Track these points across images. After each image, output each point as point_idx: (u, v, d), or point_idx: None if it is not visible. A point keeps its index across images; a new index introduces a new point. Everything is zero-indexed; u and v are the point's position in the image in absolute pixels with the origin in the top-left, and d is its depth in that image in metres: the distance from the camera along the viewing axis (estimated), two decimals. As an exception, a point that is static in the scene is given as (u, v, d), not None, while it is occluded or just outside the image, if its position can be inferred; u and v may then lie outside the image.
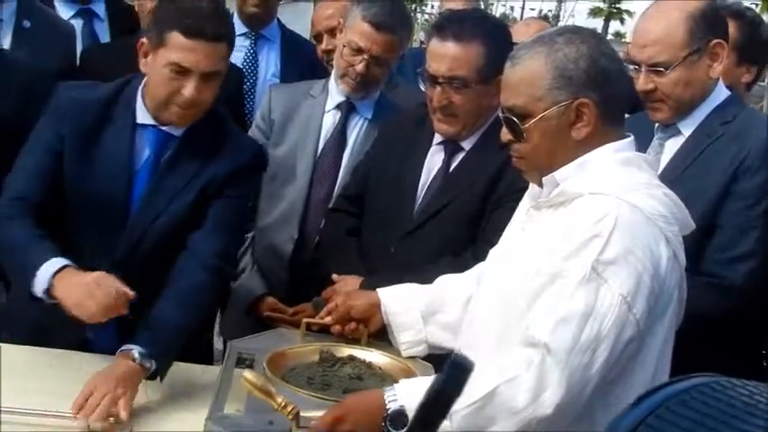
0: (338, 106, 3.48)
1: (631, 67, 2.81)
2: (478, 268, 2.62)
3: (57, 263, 2.57)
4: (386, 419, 1.97)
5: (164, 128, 2.83)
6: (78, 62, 3.82)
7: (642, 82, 2.82)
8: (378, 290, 2.69)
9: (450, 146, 3.04)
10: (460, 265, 2.75)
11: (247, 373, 2.10)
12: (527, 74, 2.19)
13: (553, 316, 2.02)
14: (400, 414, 1.97)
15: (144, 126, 2.85)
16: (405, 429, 1.97)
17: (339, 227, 3.26)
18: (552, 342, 1.99)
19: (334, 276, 3.03)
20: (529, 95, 2.19)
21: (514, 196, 2.75)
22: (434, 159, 3.07)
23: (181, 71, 2.69)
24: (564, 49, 2.16)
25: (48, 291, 2.55)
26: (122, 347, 2.60)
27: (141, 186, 2.84)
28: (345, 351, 2.58)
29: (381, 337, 2.69)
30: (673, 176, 2.72)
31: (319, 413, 2.09)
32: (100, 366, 2.56)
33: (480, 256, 2.69)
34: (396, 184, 3.10)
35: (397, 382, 2.43)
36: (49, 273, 2.55)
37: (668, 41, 2.79)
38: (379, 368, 2.53)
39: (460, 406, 1.96)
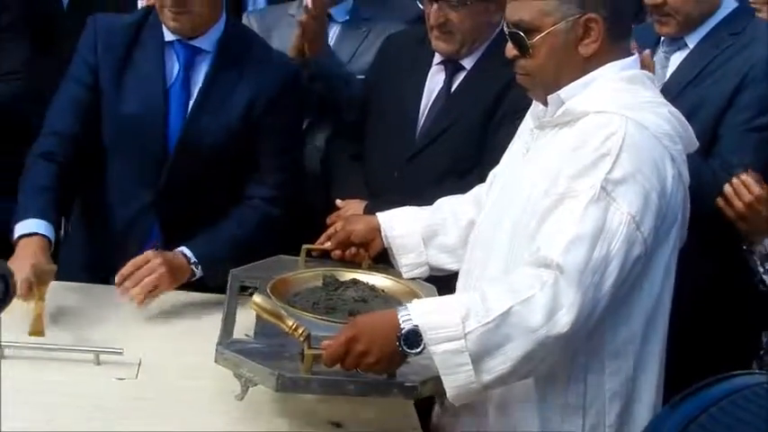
0: None
1: None
2: (478, 188, 2.60)
3: (25, 227, 2.63)
4: (400, 339, 1.95)
5: (190, 42, 2.84)
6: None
7: None
8: (377, 214, 2.65)
9: (451, 66, 2.99)
10: (465, 187, 2.70)
11: (257, 298, 2.06)
12: None
13: (564, 236, 1.99)
14: (414, 333, 1.95)
15: (171, 43, 2.86)
16: (419, 348, 1.97)
17: (343, 152, 3.22)
18: (565, 262, 1.96)
19: (338, 202, 3.02)
20: (537, 9, 2.14)
21: (519, 114, 2.68)
22: (435, 80, 3.03)
23: None
24: None
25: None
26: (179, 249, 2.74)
27: (176, 106, 2.86)
28: (348, 275, 2.55)
29: (381, 260, 2.67)
30: (678, 87, 2.71)
31: (324, 333, 2.07)
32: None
33: (485, 176, 2.63)
34: (397, 107, 3.06)
35: (401, 303, 2.42)
36: (17, 232, 2.64)
37: None
38: (383, 291, 2.50)
39: (476, 325, 1.95)
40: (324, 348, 2.00)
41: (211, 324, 2.61)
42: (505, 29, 2.22)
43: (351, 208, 2.95)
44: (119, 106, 2.86)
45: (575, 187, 2.04)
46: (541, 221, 2.09)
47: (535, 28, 2.15)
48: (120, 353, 2.41)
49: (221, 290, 2.77)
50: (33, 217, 2.66)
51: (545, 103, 2.25)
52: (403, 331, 1.97)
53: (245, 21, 3.61)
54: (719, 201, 2.60)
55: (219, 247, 2.81)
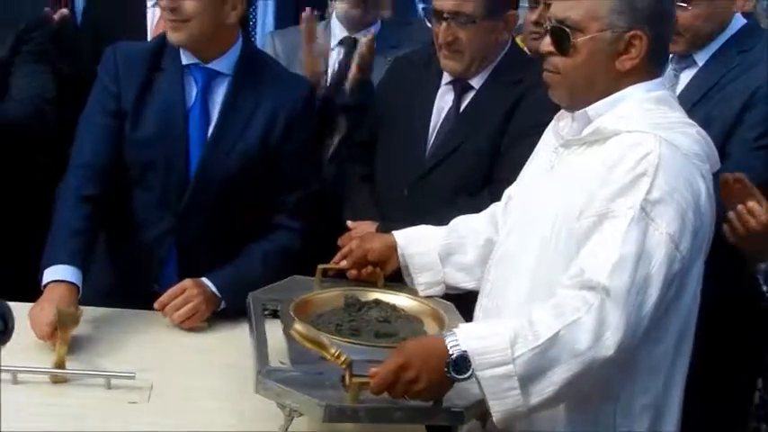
0: (341, 42, 3.43)
1: None
2: (494, 207, 2.57)
3: (54, 273, 2.63)
4: (449, 365, 1.92)
5: (208, 65, 2.84)
6: (82, 14, 3.81)
7: None
8: (393, 232, 2.62)
9: (460, 85, 2.97)
10: (476, 206, 2.69)
11: (298, 326, 2.00)
12: None
13: (609, 259, 1.98)
14: (463, 359, 1.92)
15: (188, 67, 2.85)
16: (468, 374, 1.95)
17: (353, 175, 3.19)
18: (611, 285, 1.95)
19: (350, 223, 2.99)
20: (588, 11, 2.11)
21: (529, 132, 2.69)
22: (444, 100, 3.01)
23: None
24: None
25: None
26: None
27: (195, 126, 2.85)
28: (370, 295, 2.52)
29: (396, 278, 2.64)
30: (687, 105, 2.72)
31: (357, 357, 2.03)
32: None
33: (497, 195, 2.63)
34: (406, 127, 3.03)
35: (422, 322, 2.44)
36: (46, 277, 2.65)
37: None
38: (404, 310, 2.47)
39: (524, 350, 1.93)
40: (371, 376, 1.95)
41: (222, 346, 2.66)
42: (548, 23, 2.19)
43: (362, 229, 2.92)
44: (140, 132, 2.85)
45: (613, 208, 2.03)
46: (581, 243, 2.07)
47: (581, 29, 2.12)
48: (132, 377, 2.39)
49: (227, 311, 2.79)
50: (63, 263, 2.66)
51: (566, 107, 2.24)
52: (452, 357, 1.93)
53: (268, 40, 3.61)
54: (725, 227, 2.63)
55: (242, 282, 2.75)
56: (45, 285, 2.64)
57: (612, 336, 1.96)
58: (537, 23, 3.32)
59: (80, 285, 2.66)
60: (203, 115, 2.86)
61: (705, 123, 2.57)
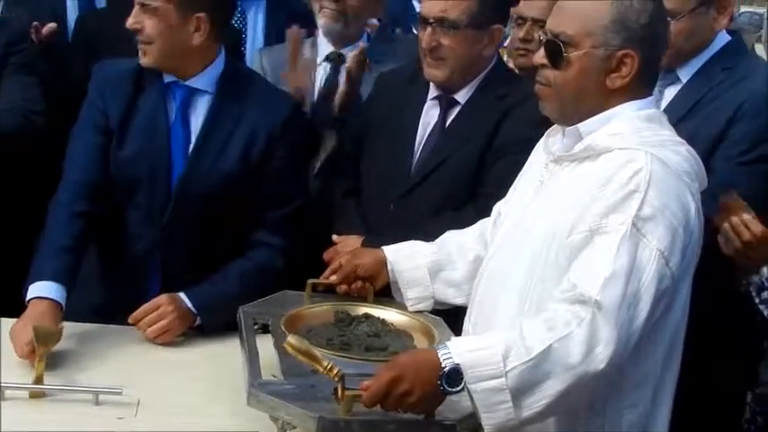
0: (327, 58, 3.43)
1: None
2: (482, 224, 2.58)
3: (37, 290, 2.65)
4: (442, 378, 1.92)
5: (186, 82, 2.87)
6: (73, 29, 3.79)
7: None
8: (383, 247, 2.62)
9: (445, 100, 2.98)
10: (462, 220, 2.69)
11: (291, 339, 2.00)
12: (588, 6, 2.15)
13: (601, 273, 1.99)
14: (456, 372, 1.92)
15: (169, 85, 2.90)
16: (460, 387, 1.94)
17: (339, 188, 3.18)
18: (603, 299, 1.96)
19: (335, 237, 2.97)
20: (582, 27, 2.14)
21: (514, 148, 2.73)
22: (430, 115, 3.01)
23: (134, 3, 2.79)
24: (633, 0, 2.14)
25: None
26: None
27: (176, 143, 2.88)
28: (360, 309, 2.52)
29: (384, 293, 2.64)
30: (673, 121, 2.76)
31: (348, 371, 2.03)
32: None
33: (482, 210, 2.65)
34: (392, 141, 3.03)
35: (411, 337, 2.44)
36: (30, 293, 2.66)
37: None
38: (393, 325, 2.48)
39: (516, 363, 1.93)
40: (363, 389, 1.95)
41: (209, 361, 2.66)
42: (542, 36, 2.22)
43: (347, 244, 2.91)
44: (125, 149, 2.88)
45: (605, 224, 2.05)
46: (572, 258, 2.08)
47: (574, 44, 2.15)
48: (120, 392, 2.38)
49: (203, 328, 2.79)
50: (48, 279, 2.66)
51: (557, 120, 2.26)
52: (445, 370, 1.94)
53: (256, 57, 3.62)
54: (719, 238, 2.65)
55: (219, 300, 2.81)
56: (28, 301, 2.64)
57: (604, 349, 1.97)
58: (524, 40, 3.33)
59: (63, 303, 2.65)
60: (185, 132, 2.90)
61: (689, 139, 2.57)
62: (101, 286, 2.96)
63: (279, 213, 2.93)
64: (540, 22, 3.06)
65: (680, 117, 2.82)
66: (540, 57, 2.21)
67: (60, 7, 3.85)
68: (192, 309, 2.79)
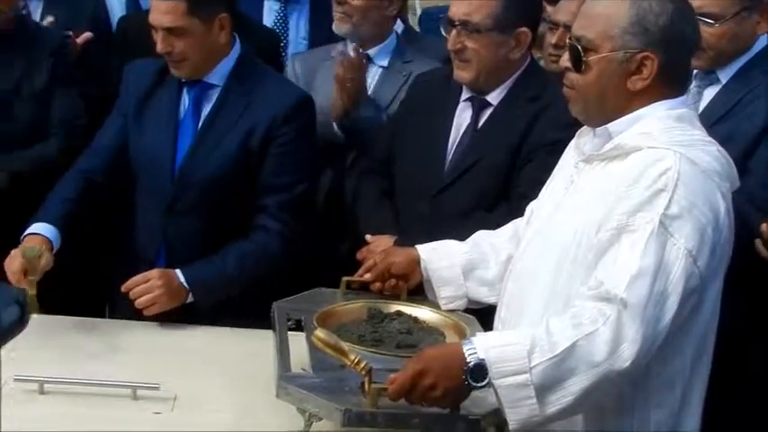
0: None
1: None
2: (515, 224, 2.58)
3: (32, 228, 2.84)
4: (466, 372, 1.94)
5: (204, 79, 2.99)
6: (115, 29, 3.88)
7: None
8: (417, 246, 2.63)
9: (478, 101, 3.00)
10: (493, 221, 2.70)
11: (319, 332, 2.03)
12: (608, 10, 2.15)
13: (627, 271, 1.99)
14: (480, 367, 1.94)
15: (186, 83, 3.03)
16: (485, 382, 1.95)
17: (373, 188, 3.22)
18: (629, 297, 1.96)
19: (368, 237, 3.01)
20: (601, 31, 2.14)
21: (545, 149, 2.76)
22: (463, 116, 3.04)
23: (153, 28, 2.91)
24: (651, 0, 2.13)
25: None
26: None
27: (184, 138, 3.02)
28: (392, 307, 2.54)
29: (418, 292, 2.65)
30: (711, 122, 2.74)
31: (378, 366, 2.05)
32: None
33: (514, 211, 2.65)
34: (425, 143, 3.06)
35: (443, 335, 2.45)
36: (26, 231, 2.85)
37: None
38: (425, 322, 2.49)
39: (541, 359, 1.94)
40: (389, 383, 1.97)
41: (244, 357, 2.68)
42: (567, 40, 2.23)
43: (380, 243, 2.94)
44: (137, 140, 3.05)
45: (632, 222, 2.04)
46: (599, 256, 2.08)
47: (594, 48, 2.15)
48: (157, 388, 2.43)
49: (252, 323, 2.81)
50: (45, 221, 2.84)
51: (584, 121, 2.27)
52: (469, 365, 1.95)
53: (289, 63, 3.68)
54: (757, 242, 2.62)
55: (213, 278, 2.91)
56: (22, 239, 2.81)
57: (629, 348, 1.96)
58: (556, 46, 3.33)
59: (54, 242, 2.81)
60: (194, 123, 3.02)
61: (727, 140, 2.57)
62: (113, 271, 3.11)
63: (279, 198, 2.99)
64: (570, 28, 3.07)
65: (719, 117, 2.82)
66: (564, 60, 2.22)
67: (101, 9, 3.92)
68: (185, 284, 2.86)
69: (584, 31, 2.17)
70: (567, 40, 2.22)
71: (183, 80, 3.01)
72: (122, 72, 3.14)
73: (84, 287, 3.57)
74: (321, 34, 3.91)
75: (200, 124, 3.02)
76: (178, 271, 2.87)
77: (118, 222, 3.20)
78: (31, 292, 2.57)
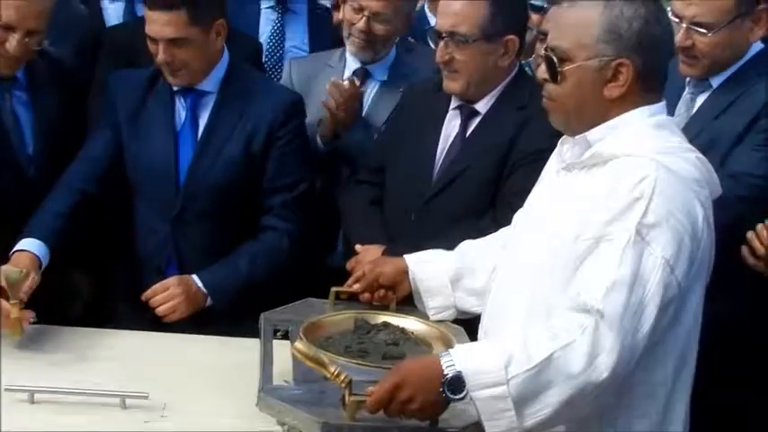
0: (354, 73, 3.48)
1: (673, 18, 2.75)
2: (503, 233, 2.57)
3: (22, 245, 2.82)
4: (444, 385, 1.93)
5: (196, 87, 3.03)
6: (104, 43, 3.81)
7: (682, 37, 2.78)
8: (405, 256, 2.64)
9: (466, 110, 3.01)
10: (481, 230, 2.71)
11: (298, 344, 2.03)
12: (579, 19, 2.14)
13: (603, 281, 1.98)
14: (458, 379, 1.93)
15: (178, 91, 3.06)
16: (463, 394, 1.95)
17: (362, 198, 3.22)
18: (605, 308, 1.95)
19: (357, 247, 3.01)
20: (575, 40, 2.14)
21: (532, 157, 2.75)
22: (451, 125, 3.04)
23: (152, 39, 2.93)
24: (623, 6, 2.11)
25: None
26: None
27: (185, 146, 3.05)
28: (379, 318, 2.54)
29: (407, 302, 2.66)
30: (700, 124, 2.75)
31: (362, 378, 2.06)
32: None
33: (501, 219, 2.65)
34: (415, 151, 3.07)
35: (430, 346, 2.45)
36: (15, 247, 2.82)
37: (716, 3, 2.77)
38: (413, 333, 2.49)
39: (518, 371, 1.93)
40: (368, 395, 1.96)
41: (235, 366, 2.67)
42: (542, 51, 2.23)
43: (370, 253, 2.94)
44: (135, 150, 3.06)
45: (609, 231, 2.03)
46: (576, 266, 2.07)
47: (568, 57, 2.15)
48: (146, 397, 2.44)
49: (241, 332, 2.82)
50: (34, 237, 2.84)
51: (564, 131, 2.26)
52: (447, 377, 1.94)
53: (286, 67, 3.69)
54: (743, 248, 2.61)
55: (230, 281, 2.98)
56: (11, 255, 2.81)
57: (606, 359, 1.95)
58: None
59: (42, 259, 2.81)
60: (192, 133, 3.06)
61: (715, 138, 2.58)
62: (119, 281, 3.15)
63: (284, 198, 3.07)
64: None
65: (712, 117, 2.81)
66: (541, 72, 2.22)
67: (99, 23, 3.89)
68: (203, 289, 2.94)
69: (558, 42, 2.17)
70: (543, 51, 2.22)
71: (175, 88, 3.04)
72: (106, 83, 3.14)
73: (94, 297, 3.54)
74: (319, 43, 3.91)
75: (199, 132, 3.06)
76: (194, 276, 2.94)
77: (118, 232, 3.22)
78: (13, 315, 2.57)
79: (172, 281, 2.91)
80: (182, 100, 3.06)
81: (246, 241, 3.05)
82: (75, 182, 3.03)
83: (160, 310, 2.87)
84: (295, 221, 3.08)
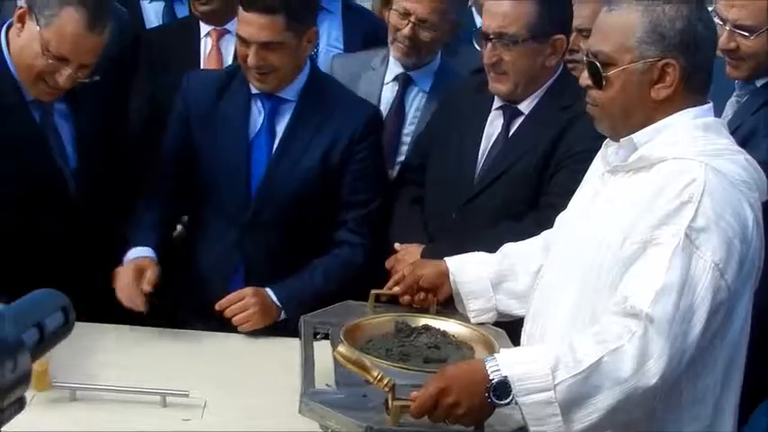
0: (396, 78, 3.44)
1: (716, 20, 2.70)
2: (546, 235, 2.55)
3: (133, 253, 2.90)
4: (489, 390, 1.92)
5: (278, 93, 2.98)
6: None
7: (725, 39, 2.75)
8: (446, 259, 2.61)
9: (509, 110, 2.97)
10: (522, 231, 2.68)
11: (341, 348, 2.03)
12: (621, 22, 2.11)
13: (652, 286, 1.95)
14: (503, 384, 1.92)
15: (257, 95, 3.01)
16: (508, 399, 1.94)
17: (403, 196, 3.19)
18: (654, 312, 1.92)
19: (397, 245, 2.99)
20: (618, 44, 2.10)
21: (575, 158, 2.72)
22: (494, 125, 3.00)
23: (243, 41, 2.87)
24: (664, 6, 2.08)
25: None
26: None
27: (260, 153, 3.00)
28: (420, 321, 2.52)
29: (448, 305, 2.64)
30: (742, 117, 2.74)
31: (405, 382, 2.04)
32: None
33: (544, 220, 2.62)
34: (457, 151, 3.03)
35: (471, 349, 2.43)
36: (128, 257, 2.90)
37: (758, 5, 2.73)
38: (454, 336, 2.47)
39: (565, 376, 1.91)
40: (412, 399, 1.95)
41: (275, 365, 2.70)
42: (584, 57, 2.20)
43: (408, 252, 2.93)
44: (207, 154, 3.03)
45: (658, 235, 2.01)
46: (624, 270, 2.04)
47: (612, 62, 2.12)
48: (186, 395, 2.45)
49: (280, 332, 2.85)
50: (144, 245, 2.92)
51: (611, 137, 2.23)
52: (492, 382, 1.93)
53: (328, 64, 3.65)
54: None
55: (304, 295, 2.91)
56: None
57: (656, 364, 1.93)
58: (571, 51, 3.27)
59: (153, 258, 2.90)
60: (268, 140, 3.00)
61: (752, 132, 2.55)
62: (185, 287, 3.09)
63: (358, 213, 3.03)
64: (584, 32, 3.03)
65: (750, 113, 2.78)
66: (584, 78, 2.19)
67: (138, 24, 3.86)
68: (277, 302, 2.90)
69: (601, 46, 2.14)
70: (585, 58, 2.19)
71: (254, 91, 2.99)
72: (180, 83, 3.11)
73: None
74: (353, 42, 3.88)
75: (276, 140, 3.01)
76: (269, 289, 2.91)
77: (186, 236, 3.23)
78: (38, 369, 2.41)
79: (247, 291, 2.88)
80: (259, 105, 3.01)
81: (321, 255, 3.02)
82: (157, 192, 3.07)
83: (235, 320, 2.85)
84: (368, 236, 3.04)
